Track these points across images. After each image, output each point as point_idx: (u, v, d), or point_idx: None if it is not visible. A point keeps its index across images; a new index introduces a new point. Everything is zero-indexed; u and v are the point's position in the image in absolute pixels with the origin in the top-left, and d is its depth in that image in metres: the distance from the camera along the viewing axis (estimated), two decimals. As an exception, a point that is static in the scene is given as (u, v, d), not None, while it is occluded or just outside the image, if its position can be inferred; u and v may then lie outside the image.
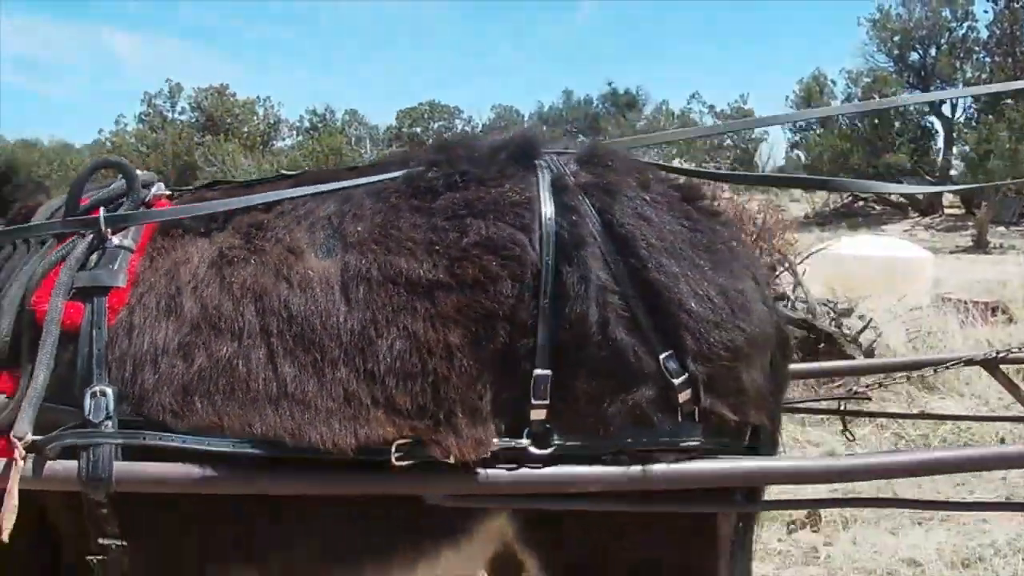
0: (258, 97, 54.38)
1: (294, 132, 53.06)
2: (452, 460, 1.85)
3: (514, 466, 1.90)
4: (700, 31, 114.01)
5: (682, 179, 2.32)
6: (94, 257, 2.06)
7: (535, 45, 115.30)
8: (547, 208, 1.98)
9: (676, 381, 1.92)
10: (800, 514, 4.39)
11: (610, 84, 49.32)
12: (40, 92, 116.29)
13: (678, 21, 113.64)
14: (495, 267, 1.93)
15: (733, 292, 2.03)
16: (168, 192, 2.40)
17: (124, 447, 1.89)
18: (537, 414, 1.90)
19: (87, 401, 1.90)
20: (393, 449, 1.85)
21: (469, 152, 2.15)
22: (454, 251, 1.95)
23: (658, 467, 1.91)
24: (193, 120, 53.46)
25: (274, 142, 52.34)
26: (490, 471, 1.88)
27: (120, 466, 1.87)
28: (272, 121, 54.31)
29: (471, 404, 1.89)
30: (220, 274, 2.02)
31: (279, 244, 2.05)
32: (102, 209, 2.14)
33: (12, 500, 1.77)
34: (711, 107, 47.44)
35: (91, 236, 2.08)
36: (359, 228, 2.02)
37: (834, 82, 37.45)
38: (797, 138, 38.34)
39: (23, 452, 1.81)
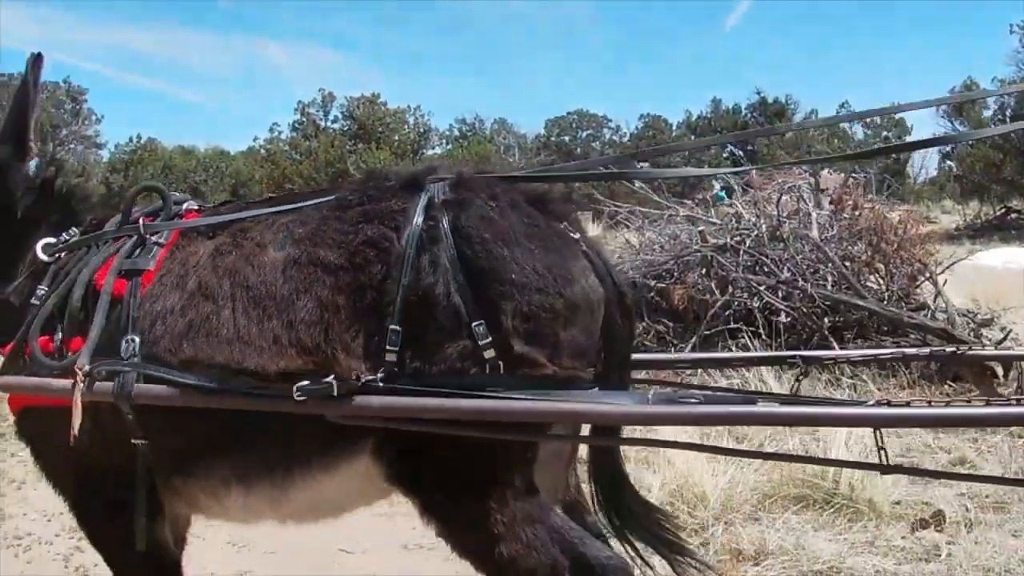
0: (408, 106, 55.37)
1: (443, 141, 53.87)
2: (334, 381, 2.50)
3: (378, 396, 2.52)
4: (850, 40, 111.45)
5: (547, 188, 3.04)
6: (137, 251, 2.94)
7: (684, 54, 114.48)
8: (417, 217, 2.65)
9: (485, 341, 2.52)
10: (925, 513, 4.48)
11: (759, 93, 48.76)
12: (197, 101, 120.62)
13: (829, 30, 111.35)
14: (372, 256, 2.63)
15: (557, 268, 2.61)
16: (197, 207, 3.24)
17: (141, 376, 2.70)
18: (390, 357, 2.54)
19: (122, 345, 2.73)
20: (295, 388, 2.51)
21: (381, 180, 2.90)
22: (350, 245, 2.67)
23: (468, 402, 2.49)
24: (345, 128, 54.71)
25: (424, 150, 53.18)
26: (362, 399, 2.52)
27: (137, 387, 2.67)
28: (422, 130, 55.20)
29: (348, 346, 2.58)
30: (212, 261, 2.84)
31: (252, 241, 2.85)
32: (142, 220, 3.03)
33: (77, 408, 2.60)
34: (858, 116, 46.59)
35: (136, 237, 2.97)
36: (300, 231, 2.80)
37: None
38: (948, 149, 37.51)
39: (83, 377, 2.62)
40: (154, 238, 2.96)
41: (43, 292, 2.92)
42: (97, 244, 3.03)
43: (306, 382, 2.50)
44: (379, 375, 2.52)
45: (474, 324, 2.52)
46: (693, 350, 7.51)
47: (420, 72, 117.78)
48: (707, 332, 7.99)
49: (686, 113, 49.96)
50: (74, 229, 3.15)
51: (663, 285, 8.75)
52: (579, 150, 44.55)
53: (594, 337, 2.69)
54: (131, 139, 56.88)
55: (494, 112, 77.46)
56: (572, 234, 2.73)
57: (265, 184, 51.57)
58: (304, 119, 56.30)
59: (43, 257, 3.01)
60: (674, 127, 48.12)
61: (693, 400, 2.47)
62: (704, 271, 8.58)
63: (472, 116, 53.11)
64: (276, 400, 2.55)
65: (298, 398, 2.47)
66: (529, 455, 2.65)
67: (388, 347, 2.53)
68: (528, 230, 2.65)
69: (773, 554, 4.10)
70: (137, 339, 2.72)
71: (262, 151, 55.66)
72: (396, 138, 53.31)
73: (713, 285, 8.35)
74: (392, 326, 2.53)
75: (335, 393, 2.48)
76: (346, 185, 3.08)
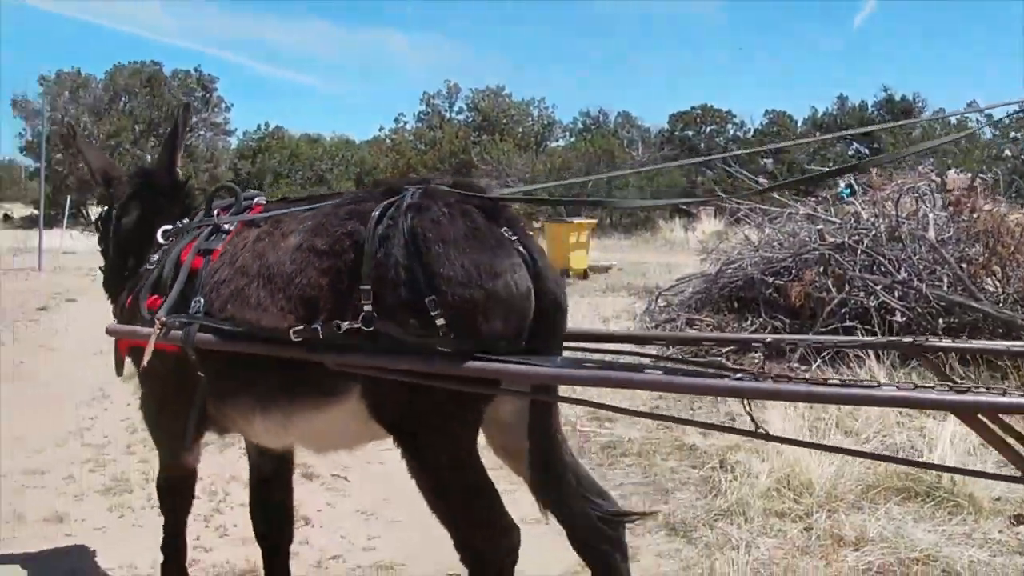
0: (533, 99, 55.68)
1: (567, 133, 53.98)
2: (319, 327, 3.18)
3: (358, 351, 3.18)
4: (981, 38, 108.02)
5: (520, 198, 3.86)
6: (212, 236, 3.76)
7: (810, 50, 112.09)
8: (382, 218, 3.27)
9: (436, 317, 3.08)
10: (1024, 509, 4.61)
11: (886, 90, 47.62)
12: (324, 90, 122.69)
13: (959, 28, 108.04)
14: (347, 245, 3.27)
15: (484, 265, 3.14)
16: (263, 201, 4.02)
17: (201, 327, 3.47)
18: (359, 324, 3.13)
19: (191, 304, 3.52)
20: (292, 333, 3.20)
21: (374, 187, 3.69)
22: (336, 236, 3.33)
23: (410, 359, 3.11)
24: (470, 120, 55.21)
25: (547, 143, 53.37)
26: (347, 354, 3.18)
27: (198, 335, 3.45)
28: (546, 122, 55.43)
29: (332, 310, 3.21)
30: (252, 245, 3.59)
31: (279, 231, 3.58)
32: (216, 213, 3.94)
33: (150, 347, 3.46)
34: (988, 116, 45.23)
35: (212, 225, 3.80)
36: (309, 224, 3.47)
37: None
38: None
39: (160, 325, 3.47)
40: (225, 226, 3.78)
41: (151, 265, 3.88)
42: (187, 232, 3.92)
43: (300, 327, 3.20)
44: (348, 333, 3.16)
45: (419, 303, 3.12)
46: (803, 353, 7.66)
47: (545, 66, 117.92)
48: (823, 329, 8.10)
49: (811, 110, 49.11)
50: (185, 219, 4.07)
51: (781, 282, 8.89)
52: (703, 145, 44.21)
53: (520, 318, 3.22)
54: (259, 127, 58.18)
55: (618, 106, 77.28)
56: (510, 237, 3.27)
57: (389, 173, 52.41)
58: (429, 110, 57.04)
59: (160, 240, 3.99)
60: (799, 123, 47.35)
61: (589, 365, 3.02)
62: (822, 269, 8.69)
63: (596, 110, 53.14)
64: (281, 347, 3.29)
65: (295, 339, 3.19)
66: (459, 405, 3.26)
67: (363, 307, 3.16)
68: (468, 232, 3.22)
69: (873, 541, 4.27)
70: (202, 300, 3.53)
71: (387, 141, 56.51)
72: (520, 130, 53.56)
73: (830, 283, 8.46)
74: (363, 303, 3.15)
75: (320, 336, 3.17)
76: (354, 191, 4.18)
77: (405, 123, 57.71)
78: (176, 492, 4.18)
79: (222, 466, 5.81)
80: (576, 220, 17.70)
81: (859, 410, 5.82)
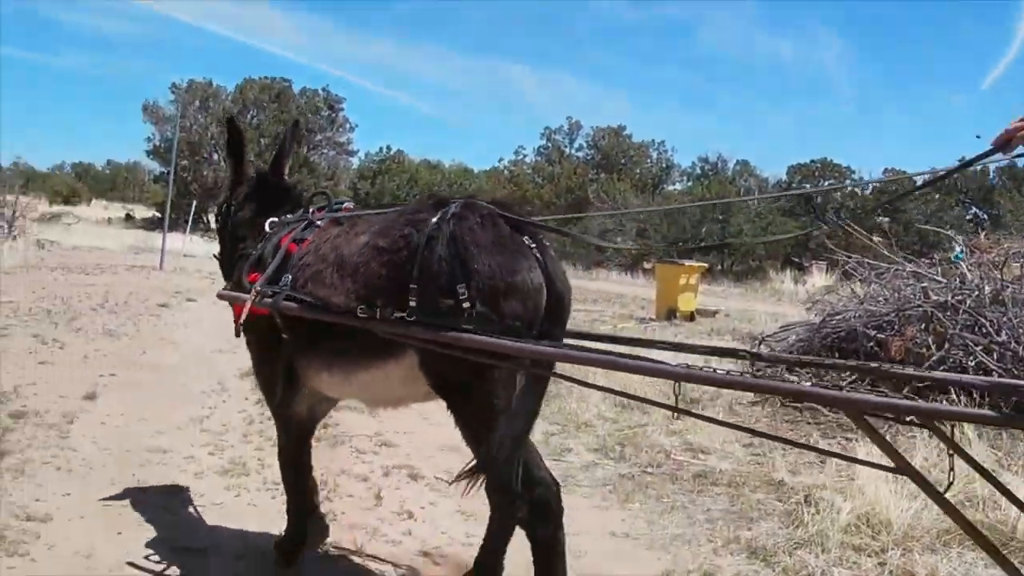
0: (653, 140, 55.81)
1: (684, 177, 54.03)
2: (379, 316, 3.88)
3: (404, 325, 3.84)
4: None
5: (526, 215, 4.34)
6: (306, 229, 4.57)
7: (935, 108, 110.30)
8: (431, 224, 3.94)
9: (463, 301, 3.77)
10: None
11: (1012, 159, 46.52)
12: (447, 118, 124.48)
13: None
14: (402, 245, 3.96)
15: (506, 264, 3.85)
16: (351, 206, 4.89)
17: (286, 297, 4.23)
18: (412, 303, 3.81)
19: (283, 279, 4.31)
20: (359, 309, 3.93)
21: (426, 200, 4.36)
22: (394, 238, 4.03)
23: (452, 334, 3.72)
24: (588, 158, 55.57)
25: (664, 185, 53.48)
26: (401, 326, 3.85)
27: (283, 303, 4.21)
28: (664, 165, 55.58)
29: (388, 296, 3.89)
30: (332, 239, 4.35)
31: (354, 230, 4.33)
32: (311, 211, 4.78)
33: (246, 311, 4.34)
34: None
35: (307, 221, 4.64)
36: (377, 226, 4.21)
37: None
38: None
39: (255, 292, 4.30)
40: (318, 222, 4.60)
41: (257, 249, 4.76)
42: (288, 225, 4.81)
43: (364, 307, 3.93)
44: (404, 314, 3.84)
45: (457, 288, 3.80)
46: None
47: (667, 107, 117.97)
48: (919, 385, 8.21)
49: (931, 170, 48.38)
50: (288, 215, 4.97)
51: (882, 336, 9.01)
52: (818, 199, 43.84)
53: (532, 308, 3.92)
54: (380, 149, 59.42)
55: (739, 154, 76.95)
56: (530, 245, 4.03)
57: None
58: (550, 144, 57.59)
59: (267, 229, 4.85)
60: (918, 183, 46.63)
61: (567, 347, 3.91)
62: (924, 326, 8.80)
63: (715, 156, 53.12)
64: (346, 318, 4.00)
65: (360, 315, 3.93)
66: (489, 372, 3.90)
67: (410, 298, 3.84)
68: (495, 239, 3.95)
69: None
70: (290, 277, 4.33)
71: (505, 172, 57.12)
72: (638, 171, 53.80)
73: (930, 340, 8.57)
74: (412, 286, 3.85)
75: (377, 316, 3.89)
76: (413, 201, 4.99)
77: (524, 156, 58.10)
78: (287, 437, 4.84)
79: (332, 460, 6.23)
80: (687, 263, 17.91)
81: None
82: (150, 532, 4.90)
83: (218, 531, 5.00)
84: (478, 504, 5.23)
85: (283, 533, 4.73)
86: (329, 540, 4.86)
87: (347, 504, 5.46)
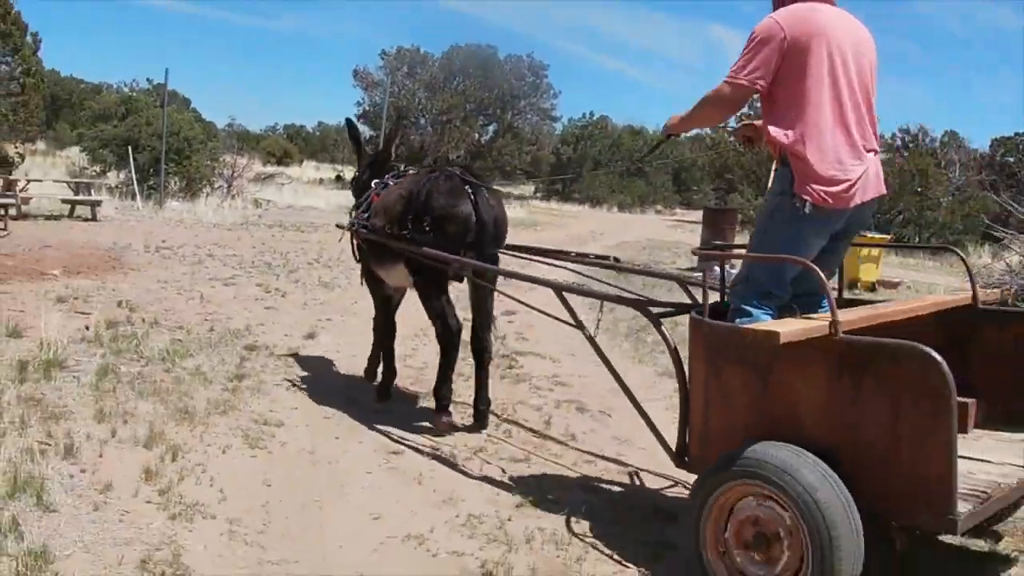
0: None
1: (884, 148, 52.87)
2: (394, 235, 6.40)
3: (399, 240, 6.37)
4: None
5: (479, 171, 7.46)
6: (382, 188, 6.94)
7: None
8: (421, 183, 6.44)
9: (426, 225, 6.19)
10: None
11: None
12: (657, 84, 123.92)
13: None
14: (407, 195, 6.43)
15: (451, 203, 6.18)
16: (413, 170, 7.15)
17: (361, 226, 6.90)
18: (408, 228, 6.34)
19: (363, 216, 7.00)
20: (384, 230, 6.50)
21: (430, 169, 6.70)
22: (406, 190, 6.50)
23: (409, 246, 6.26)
24: (790, 126, 54.96)
25: (867, 155, 52.50)
26: (396, 240, 6.39)
27: (360, 230, 6.87)
28: (867, 134, 54.55)
29: (399, 224, 6.37)
30: (387, 191, 6.81)
31: (397, 187, 6.74)
32: (385, 176, 7.20)
33: (348, 236, 7.32)
34: None
35: (383, 183, 7.03)
36: (404, 185, 6.64)
37: None
38: None
39: (349, 225, 7.24)
40: (389, 182, 6.95)
41: (361, 200, 7.24)
42: (373, 185, 7.15)
43: (388, 230, 6.43)
44: (399, 232, 6.34)
45: (424, 219, 6.17)
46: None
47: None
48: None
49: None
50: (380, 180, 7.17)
51: (1035, 307, 9.48)
52: (1019, 173, 42.31)
53: (464, 229, 6.15)
54: (584, 115, 60.13)
55: (945, 125, 74.44)
56: (469, 191, 6.21)
57: (706, 171, 53.11)
58: (753, 112, 57.12)
59: (372, 187, 7.15)
60: None
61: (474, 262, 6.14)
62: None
63: (916, 127, 51.79)
64: (379, 235, 6.56)
65: (387, 232, 6.46)
66: (439, 272, 6.21)
67: (412, 227, 6.25)
68: (447, 189, 6.23)
69: None
70: (366, 215, 6.88)
71: (707, 140, 57.05)
72: (841, 140, 52.96)
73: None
74: (409, 216, 6.28)
75: (394, 235, 6.37)
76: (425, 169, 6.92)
77: (727, 124, 57.72)
78: (379, 311, 7.35)
79: (512, 394, 7.27)
80: (868, 234, 18.20)
81: None
82: (361, 436, 6.06)
83: (413, 436, 6.12)
84: (633, 431, 6.20)
85: (381, 375, 7.21)
86: (506, 452, 5.91)
87: (520, 427, 6.51)
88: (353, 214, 7.21)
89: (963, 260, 5.12)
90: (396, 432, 6.19)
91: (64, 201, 20.32)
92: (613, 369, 4.93)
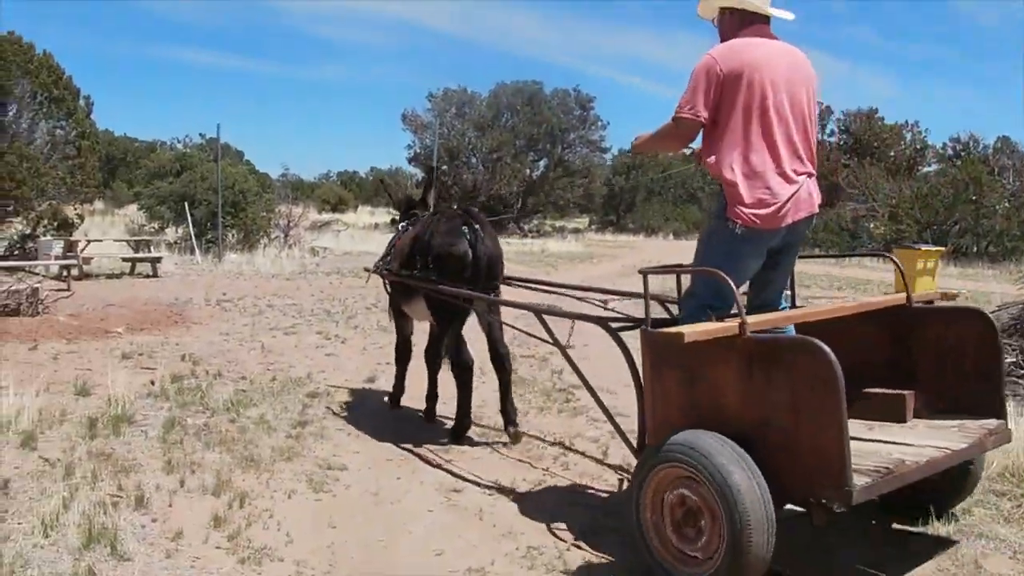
0: (906, 122, 54.46)
1: (937, 159, 52.46)
2: (407, 275, 7.25)
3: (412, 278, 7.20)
4: None
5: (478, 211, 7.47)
6: (403, 231, 7.83)
7: None
8: (424, 225, 7.34)
9: (429, 263, 6.96)
10: None
11: None
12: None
13: None
14: (416, 237, 7.27)
15: (449, 242, 6.82)
16: (426, 214, 7.86)
17: (384, 269, 7.80)
18: (417, 267, 7.10)
19: (387, 259, 7.84)
20: (401, 272, 7.35)
21: (435, 213, 7.61)
22: (415, 233, 7.30)
23: (422, 282, 7.05)
24: (841, 142, 54.76)
25: (919, 168, 52.15)
26: (410, 279, 7.24)
27: (387, 273, 7.80)
28: (919, 147, 54.18)
29: (410, 264, 7.24)
30: (405, 234, 7.67)
31: (410, 230, 7.55)
32: (404, 222, 8.13)
33: (371, 275, 8.34)
34: None
35: (404, 227, 8.00)
36: (415, 228, 7.42)
37: None
38: None
39: (374, 266, 8.10)
40: (408, 226, 7.78)
41: (388, 242, 8.09)
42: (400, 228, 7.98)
43: (405, 272, 7.24)
44: (411, 273, 7.14)
45: (427, 258, 6.88)
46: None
47: (923, 82, 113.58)
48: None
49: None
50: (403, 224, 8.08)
51: (1088, 312, 9.41)
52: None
53: (461, 266, 6.73)
54: (634, 145, 60.17)
55: (997, 131, 73.53)
56: (465, 230, 6.78)
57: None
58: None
59: (397, 231, 7.99)
60: None
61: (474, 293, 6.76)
62: None
63: (967, 135, 51.32)
64: (398, 276, 7.38)
65: (407, 275, 7.23)
66: (449, 306, 6.83)
67: (420, 265, 7.00)
68: (445, 230, 6.88)
69: None
70: (388, 258, 7.74)
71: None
72: (892, 154, 52.67)
73: None
74: (416, 257, 7.06)
75: (409, 274, 7.18)
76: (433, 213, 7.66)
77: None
78: (400, 340, 8.12)
79: (571, 426, 7.35)
80: (923, 247, 18.12)
81: None
82: (422, 476, 6.17)
83: (472, 474, 6.19)
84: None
85: (392, 391, 8.15)
86: (565, 484, 6.00)
87: (577, 457, 6.59)
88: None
89: (896, 263, 5.81)
90: (456, 470, 6.30)
91: (125, 259, 20.81)
92: (583, 376, 5.76)
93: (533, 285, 7.76)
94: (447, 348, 6.94)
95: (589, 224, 57.84)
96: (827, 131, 55.98)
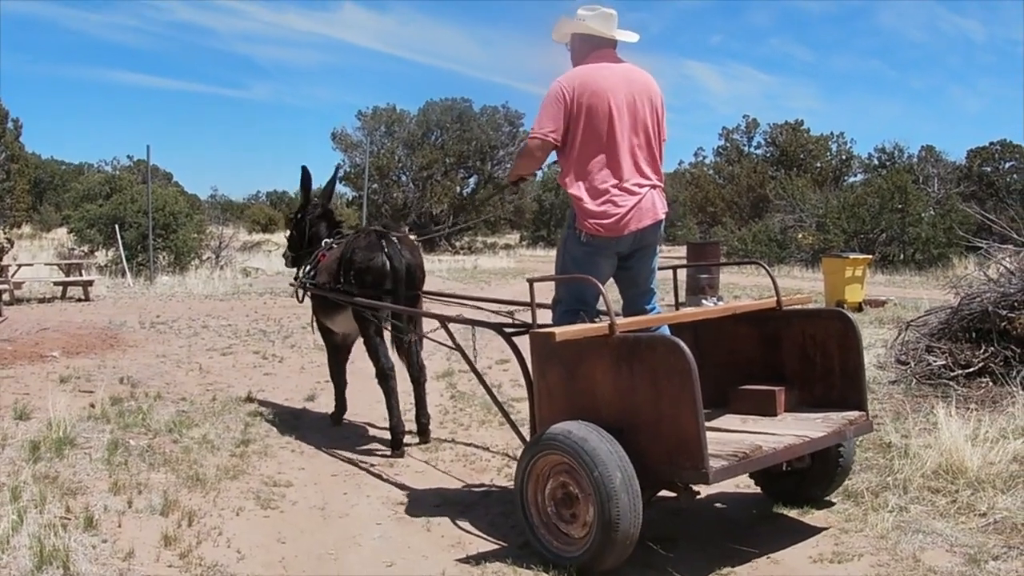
0: (832, 133, 55.37)
1: (864, 168, 53.34)
2: (330, 289, 7.55)
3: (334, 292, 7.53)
4: None
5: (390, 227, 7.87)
6: (329, 248, 7.99)
7: None
8: (347, 242, 7.66)
9: (351, 278, 7.29)
10: None
11: None
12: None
13: None
14: (339, 254, 7.59)
15: (368, 257, 7.22)
16: (349, 230, 8.43)
17: (308, 284, 7.96)
18: (340, 282, 7.42)
19: (311, 275, 7.98)
20: (326, 287, 7.65)
21: (358, 231, 7.96)
22: (340, 250, 7.59)
23: (344, 297, 7.42)
24: (768, 155, 55.52)
25: (845, 178, 52.97)
26: (332, 293, 7.54)
27: (309, 289, 7.93)
28: (844, 157, 55.07)
29: (334, 279, 7.51)
30: (331, 253, 7.79)
31: (337, 247, 7.74)
32: (331, 238, 8.22)
33: (300, 294, 8.23)
34: None
35: (330, 244, 8.05)
36: (339, 246, 7.75)
37: None
38: None
39: (298, 284, 8.18)
40: (331, 243, 7.96)
41: (310, 260, 8.15)
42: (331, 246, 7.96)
43: (328, 286, 7.52)
44: (335, 286, 7.44)
45: (350, 272, 7.21)
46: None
47: (849, 95, 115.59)
48: (1040, 359, 8.88)
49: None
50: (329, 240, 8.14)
51: (1012, 315, 9.67)
52: (997, 182, 42.84)
53: (379, 278, 7.12)
54: (562, 160, 60.47)
55: (921, 139, 75.15)
56: (384, 244, 7.16)
57: (688, 206, 53.60)
58: (728, 144, 57.84)
59: (321, 246, 8.04)
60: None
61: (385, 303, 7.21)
62: (1047, 304, 9.45)
63: (891, 145, 52.26)
64: (329, 292, 7.51)
65: (329, 289, 7.50)
66: (372, 318, 7.19)
67: (340, 279, 7.36)
68: (364, 245, 7.25)
69: (1000, 510, 5.20)
70: (313, 273, 7.89)
71: (687, 175, 57.55)
72: (818, 165, 53.51)
73: (1050, 317, 9.22)
74: (340, 278, 7.36)
75: (334, 288, 7.45)
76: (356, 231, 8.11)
77: (704, 157, 58.23)
78: (329, 353, 8.38)
79: (512, 440, 7.49)
80: (852, 255, 18.50)
81: None
82: (368, 490, 6.24)
83: (418, 487, 6.30)
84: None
85: (333, 408, 8.30)
86: (510, 496, 6.11)
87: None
88: (298, 270, 8.45)
89: (766, 269, 6.06)
90: (401, 483, 6.39)
91: (56, 283, 20.57)
92: (483, 380, 6.23)
93: (450, 299, 8.41)
94: (372, 354, 7.26)
95: (520, 240, 57.99)
96: (754, 144, 56.85)
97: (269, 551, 5.05)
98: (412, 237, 8.25)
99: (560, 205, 56.07)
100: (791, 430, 4.88)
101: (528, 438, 5.28)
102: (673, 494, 4.57)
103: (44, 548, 4.68)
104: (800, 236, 34.90)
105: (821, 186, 43.95)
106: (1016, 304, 9.94)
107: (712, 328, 5.59)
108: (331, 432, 7.92)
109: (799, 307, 5.70)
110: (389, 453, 7.11)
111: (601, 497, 4.23)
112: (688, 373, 4.12)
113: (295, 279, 8.35)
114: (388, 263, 7.14)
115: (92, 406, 8.35)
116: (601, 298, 4.90)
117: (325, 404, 8.91)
